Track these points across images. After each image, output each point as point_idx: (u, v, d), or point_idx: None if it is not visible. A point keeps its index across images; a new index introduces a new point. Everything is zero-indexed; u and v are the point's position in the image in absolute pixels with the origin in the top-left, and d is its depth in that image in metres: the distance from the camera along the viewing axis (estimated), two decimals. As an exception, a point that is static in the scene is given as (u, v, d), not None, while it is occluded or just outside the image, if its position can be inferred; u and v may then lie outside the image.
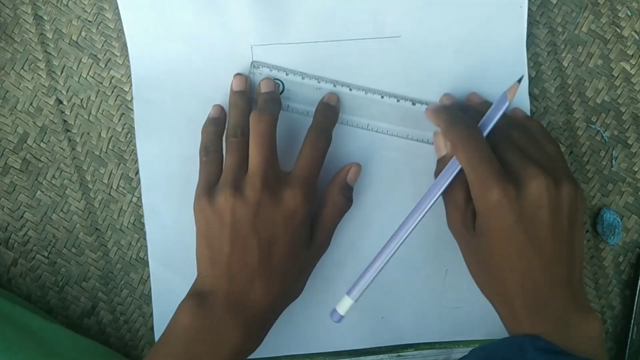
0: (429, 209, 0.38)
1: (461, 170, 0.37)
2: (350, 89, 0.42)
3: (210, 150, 0.40)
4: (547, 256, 0.35)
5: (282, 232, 0.38)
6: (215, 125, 0.41)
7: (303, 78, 0.42)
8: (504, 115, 0.38)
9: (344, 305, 0.39)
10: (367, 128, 0.43)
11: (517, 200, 0.35)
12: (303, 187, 0.38)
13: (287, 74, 0.42)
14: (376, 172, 0.43)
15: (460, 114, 0.39)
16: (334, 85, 0.42)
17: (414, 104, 0.43)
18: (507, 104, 0.37)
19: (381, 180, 0.43)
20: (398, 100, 0.43)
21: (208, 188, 0.38)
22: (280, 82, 0.42)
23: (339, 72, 0.43)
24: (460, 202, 0.38)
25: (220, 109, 0.42)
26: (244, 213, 0.37)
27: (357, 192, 0.42)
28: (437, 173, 0.40)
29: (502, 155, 0.37)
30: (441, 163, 0.40)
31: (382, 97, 0.43)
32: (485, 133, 0.38)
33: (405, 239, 0.38)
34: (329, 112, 0.42)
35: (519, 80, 0.37)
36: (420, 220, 0.38)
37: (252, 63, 0.42)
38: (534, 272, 0.35)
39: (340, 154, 0.43)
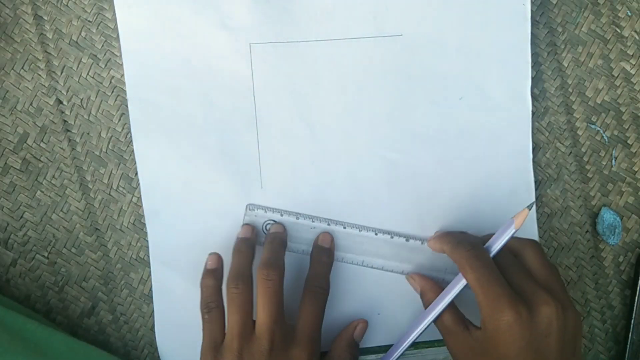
0: (422, 332, 0.40)
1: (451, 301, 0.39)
2: (344, 227, 0.43)
3: (212, 307, 0.39)
4: None
5: None
6: (215, 278, 0.40)
7: (297, 218, 0.43)
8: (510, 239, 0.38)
9: None
10: (362, 264, 0.43)
11: (529, 323, 0.35)
12: (309, 346, 0.38)
13: (281, 215, 0.43)
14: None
15: (463, 236, 0.40)
16: (328, 224, 0.43)
17: (407, 240, 0.43)
18: (513, 231, 0.37)
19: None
20: (392, 237, 0.43)
21: (214, 349, 0.38)
22: (274, 223, 0.43)
23: (338, 72, 0.43)
24: (451, 326, 0.38)
25: (217, 258, 0.41)
26: None
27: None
28: (426, 305, 0.41)
29: (508, 277, 0.37)
30: (424, 297, 0.41)
31: (376, 234, 0.43)
32: (492, 256, 0.38)
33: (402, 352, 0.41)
34: (324, 256, 0.42)
35: (529, 207, 0.37)
36: (414, 341, 0.41)
37: (247, 206, 0.42)
38: None
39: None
